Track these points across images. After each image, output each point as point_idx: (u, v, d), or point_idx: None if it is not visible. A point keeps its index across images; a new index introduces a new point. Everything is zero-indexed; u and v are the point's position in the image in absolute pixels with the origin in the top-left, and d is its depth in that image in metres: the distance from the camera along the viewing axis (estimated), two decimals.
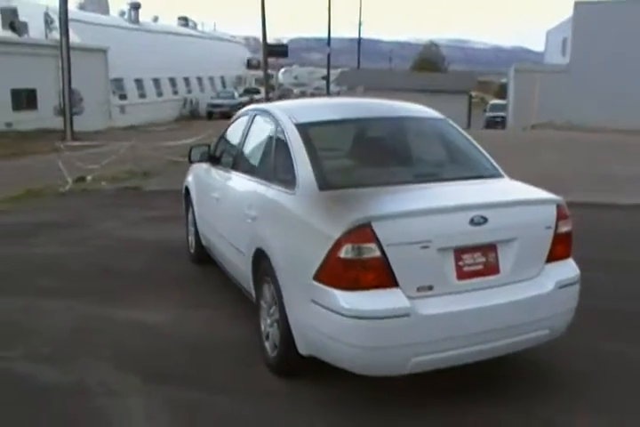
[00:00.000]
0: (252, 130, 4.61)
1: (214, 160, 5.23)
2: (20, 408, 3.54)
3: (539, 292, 3.32)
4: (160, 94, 36.43)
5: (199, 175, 5.65)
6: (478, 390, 3.59)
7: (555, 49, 37.58)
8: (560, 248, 3.47)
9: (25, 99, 24.99)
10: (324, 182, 3.48)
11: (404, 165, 3.98)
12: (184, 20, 47.84)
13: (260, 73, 54.56)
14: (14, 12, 27.81)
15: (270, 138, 4.15)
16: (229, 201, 4.60)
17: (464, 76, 43.53)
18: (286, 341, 3.48)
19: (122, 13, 39.00)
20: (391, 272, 3.03)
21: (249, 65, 49.59)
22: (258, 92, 41.37)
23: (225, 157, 5.09)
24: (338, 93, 37.26)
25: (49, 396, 3.65)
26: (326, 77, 45.64)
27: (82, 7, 35.23)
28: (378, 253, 3.00)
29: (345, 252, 3.00)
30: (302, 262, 3.26)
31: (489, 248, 3.25)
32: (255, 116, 4.63)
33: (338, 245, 3.00)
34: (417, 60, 75.71)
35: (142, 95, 34.60)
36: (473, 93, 45.42)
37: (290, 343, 3.45)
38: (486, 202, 3.34)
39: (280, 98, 50.18)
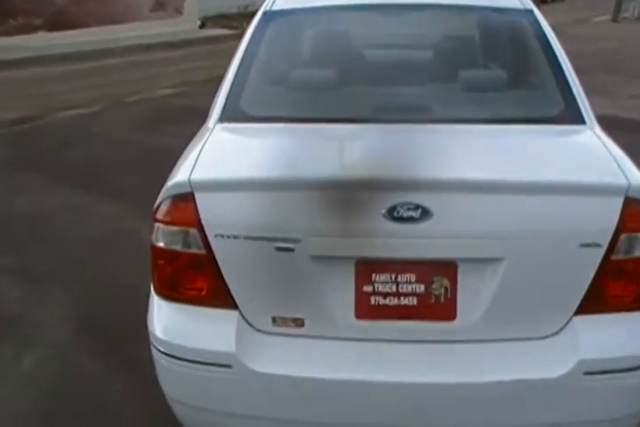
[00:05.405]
0: None
1: None
2: None
3: (536, 375, 1.76)
4: None
5: None
6: None
7: None
8: (621, 288, 1.81)
9: None
10: (231, 109, 2.23)
11: (389, 88, 2.41)
12: None
13: None
14: None
15: None
16: None
17: None
18: None
19: None
20: (223, 282, 1.81)
21: None
22: None
23: None
24: None
25: None
26: None
27: None
28: (200, 247, 1.80)
29: (155, 234, 1.87)
30: None
31: (436, 269, 1.77)
32: None
33: (153, 221, 1.88)
34: None
35: None
36: None
37: None
38: (427, 178, 1.74)
39: None
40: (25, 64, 12.44)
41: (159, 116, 7.80)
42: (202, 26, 18.25)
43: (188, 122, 7.71)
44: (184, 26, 17.06)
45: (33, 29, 14.48)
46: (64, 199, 4.97)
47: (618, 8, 19.44)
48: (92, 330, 3.16)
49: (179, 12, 17.46)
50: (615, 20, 19.19)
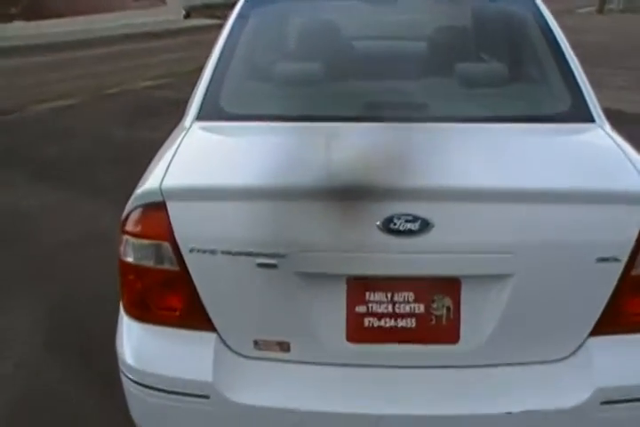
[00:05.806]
0: None
1: None
2: None
3: (547, 405, 1.57)
4: None
5: None
6: None
7: None
8: None
9: None
10: (210, 106, 2.05)
11: (382, 83, 2.23)
12: None
13: None
14: None
15: None
16: None
17: None
18: None
19: None
20: (199, 302, 1.63)
21: None
22: None
23: None
24: None
25: None
26: None
27: None
28: (173, 263, 1.61)
29: (124, 248, 1.68)
30: None
31: (438, 286, 1.60)
32: None
33: (121, 233, 1.69)
34: None
35: None
36: None
37: None
38: (426, 186, 1.57)
39: None
40: None
41: (141, 109, 7.57)
42: (187, 16, 17.96)
43: (172, 115, 7.54)
44: (168, 16, 16.78)
45: (9, 18, 14.13)
46: (40, 197, 4.75)
47: None
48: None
49: (162, 1, 17.17)
50: (601, 11, 19.08)
